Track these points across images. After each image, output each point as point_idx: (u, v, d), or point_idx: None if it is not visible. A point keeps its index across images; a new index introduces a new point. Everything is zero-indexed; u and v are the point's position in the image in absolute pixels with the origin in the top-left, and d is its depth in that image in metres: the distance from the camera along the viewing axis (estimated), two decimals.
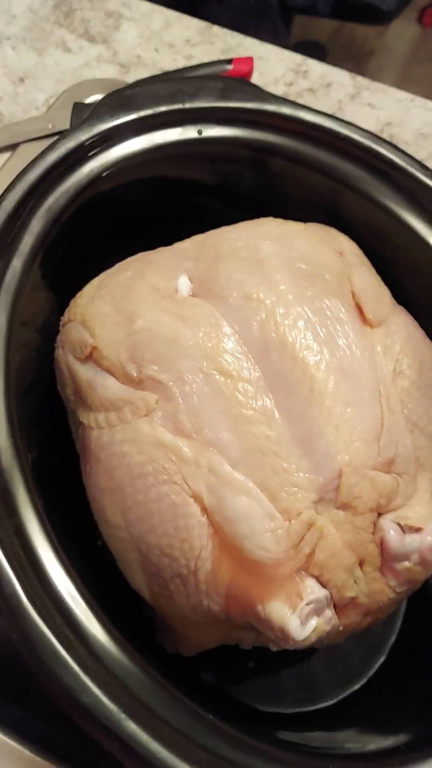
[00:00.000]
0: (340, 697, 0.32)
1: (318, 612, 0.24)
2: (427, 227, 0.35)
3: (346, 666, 0.33)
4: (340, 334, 0.27)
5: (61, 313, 0.32)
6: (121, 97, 0.36)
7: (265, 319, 0.27)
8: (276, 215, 0.34)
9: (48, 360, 0.32)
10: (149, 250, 0.33)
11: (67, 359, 0.30)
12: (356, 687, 0.33)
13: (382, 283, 0.32)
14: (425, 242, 0.34)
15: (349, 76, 0.57)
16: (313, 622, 0.24)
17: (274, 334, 0.26)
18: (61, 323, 0.32)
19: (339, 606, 0.25)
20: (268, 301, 0.27)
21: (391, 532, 0.25)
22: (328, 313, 0.27)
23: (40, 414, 0.31)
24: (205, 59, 0.55)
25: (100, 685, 0.21)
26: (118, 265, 0.32)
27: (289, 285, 0.28)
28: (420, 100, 0.56)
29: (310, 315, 0.27)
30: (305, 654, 0.34)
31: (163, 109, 0.35)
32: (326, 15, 1.00)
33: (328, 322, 0.27)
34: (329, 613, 0.24)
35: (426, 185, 0.34)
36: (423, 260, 0.35)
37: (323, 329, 0.27)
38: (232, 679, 0.33)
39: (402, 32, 1.50)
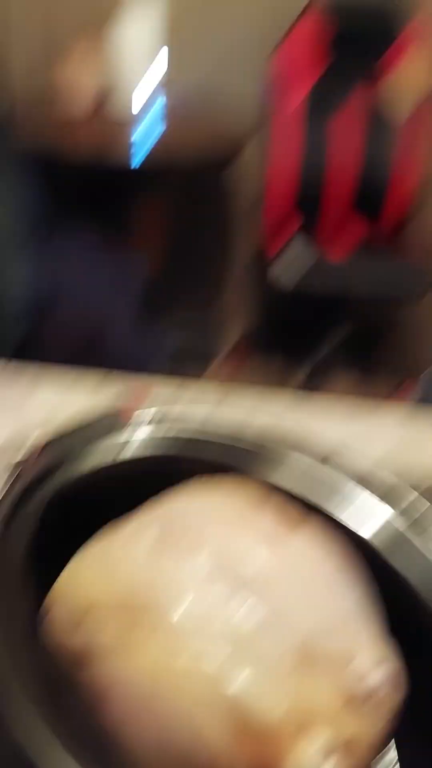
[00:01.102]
0: None
1: (326, 757, 0.28)
2: None
3: None
4: None
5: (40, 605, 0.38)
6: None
7: None
8: None
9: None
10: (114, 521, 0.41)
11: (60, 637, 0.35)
12: None
13: None
14: None
15: None
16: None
17: None
18: (45, 608, 0.37)
19: (341, 747, 0.29)
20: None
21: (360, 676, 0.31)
22: None
23: None
24: None
25: None
26: (91, 542, 0.40)
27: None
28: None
29: None
30: None
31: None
32: None
33: None
34: (335, 756, 0.28)
35: None
36: None
37: None
38: None
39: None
